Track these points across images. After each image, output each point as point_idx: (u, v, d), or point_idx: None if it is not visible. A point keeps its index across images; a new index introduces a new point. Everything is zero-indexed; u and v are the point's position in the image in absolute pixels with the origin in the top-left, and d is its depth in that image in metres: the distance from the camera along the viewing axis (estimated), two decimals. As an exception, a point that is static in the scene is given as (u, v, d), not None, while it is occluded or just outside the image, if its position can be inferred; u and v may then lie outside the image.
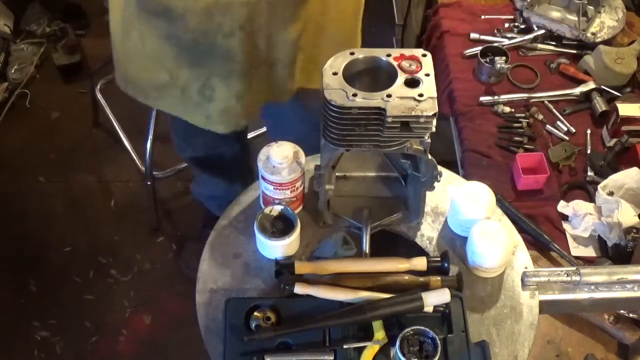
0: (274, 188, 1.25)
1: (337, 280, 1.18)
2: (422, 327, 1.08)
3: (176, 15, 1.37)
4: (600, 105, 1.85)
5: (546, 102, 1.89)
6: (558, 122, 1.85)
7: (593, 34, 1.97)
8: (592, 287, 1.26)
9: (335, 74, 1.09)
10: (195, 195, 2.30)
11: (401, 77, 1.08)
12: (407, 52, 1.12)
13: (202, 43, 1.41)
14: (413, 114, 1.05)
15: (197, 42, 1.41)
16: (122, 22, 1.51)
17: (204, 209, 2.32)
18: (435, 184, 1.21)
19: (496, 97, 1.88)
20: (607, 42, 1.96)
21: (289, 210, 1.23)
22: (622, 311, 1.48)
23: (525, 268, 1.27)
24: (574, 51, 2.00)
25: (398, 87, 1.07)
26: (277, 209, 1.24)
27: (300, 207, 1.32)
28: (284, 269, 1.19)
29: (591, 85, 1.90)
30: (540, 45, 2.01)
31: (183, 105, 1.54)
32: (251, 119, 1.57)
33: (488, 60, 1.91)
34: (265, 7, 1.37)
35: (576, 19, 2.00)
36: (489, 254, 1.21)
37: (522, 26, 2.05)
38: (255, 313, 1.14)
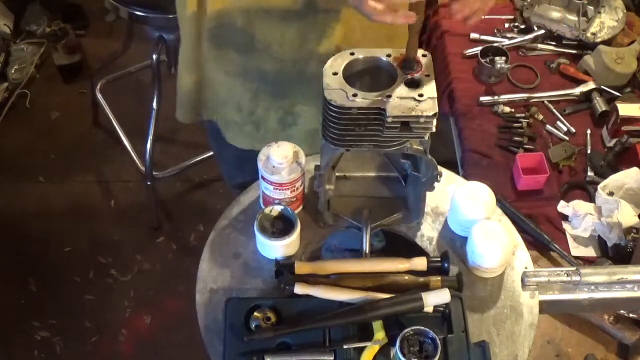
0: (274, 188, 1.25)
1: (337, 280, 1.18)
2: (422, 327, 1.08)
3: (260, 47, 1.32)
4: (600, 105, 1.85)
5: (546, 102, 1.89)
6: (558, 122, 1.85)
7: (593, 34, 1.96)
8: (592, 287, 1.26)
9: (335, 74, 1.09)
10: None
11: (401, 78, 1.08)
12: (407, 52, 1.11)
13: (287, 73, 1.36)
14: (413, 114, 1.05)
15: (282, 72, 1.35)
16: (195, 60, 1.45)
17: None
18: (435, 184, 1.21)
19: (496, 97, 1.88)
20: (607, 42, 1.96)
21: (289, 211, 1.23)
22: (622, 311, 1.48)
23: (525, 268, 1.27)
24: (574, 51, 2.00)
25: (398, 88, 1.07)
26: (277, 209, 1.24)
27: (300, 207, 1.32)
28: (284, 269, 1.19)
29: (591, 85, 1.90)
30: (540, 45, 2.01)
31: (253, 138, 1.48)
32: None
33: (488, 60, 1.91)
34: (357, 26, 1.32)
35: (576, 19, 2.00)
36: (489, 254, 1.21)
37: (522, 26, 2.05)
38: (255, 313, 1.14)
